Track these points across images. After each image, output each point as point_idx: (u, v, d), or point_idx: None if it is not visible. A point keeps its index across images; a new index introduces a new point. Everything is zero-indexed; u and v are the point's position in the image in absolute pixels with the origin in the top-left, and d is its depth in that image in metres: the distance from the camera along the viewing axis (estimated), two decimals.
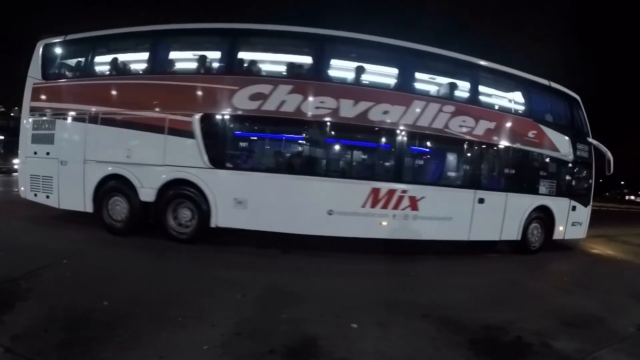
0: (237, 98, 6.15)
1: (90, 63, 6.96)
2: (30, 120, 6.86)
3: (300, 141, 6.69)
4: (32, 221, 6.96)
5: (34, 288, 3.51)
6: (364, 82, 6.78)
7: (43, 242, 5.43)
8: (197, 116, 6.15)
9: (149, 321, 3.06)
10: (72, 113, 6.66)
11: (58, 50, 7.14)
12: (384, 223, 6.44)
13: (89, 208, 6.49)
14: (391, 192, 6.41)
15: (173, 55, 6.81)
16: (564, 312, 4.38)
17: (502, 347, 3.27)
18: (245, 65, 6.52)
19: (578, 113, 8.46)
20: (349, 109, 6.26)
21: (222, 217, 6.17)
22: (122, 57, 6.96)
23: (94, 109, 6.53)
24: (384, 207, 6.40)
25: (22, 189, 6.92)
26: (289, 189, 6.20)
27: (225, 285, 4.19)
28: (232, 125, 6.43)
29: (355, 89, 6.54)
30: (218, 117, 6.29)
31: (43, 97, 6.88)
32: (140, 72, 6.79)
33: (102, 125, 6.47)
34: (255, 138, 6.85)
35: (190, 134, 6.14)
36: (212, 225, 6.16)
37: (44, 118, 6.79)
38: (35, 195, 6.80)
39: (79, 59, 7.11)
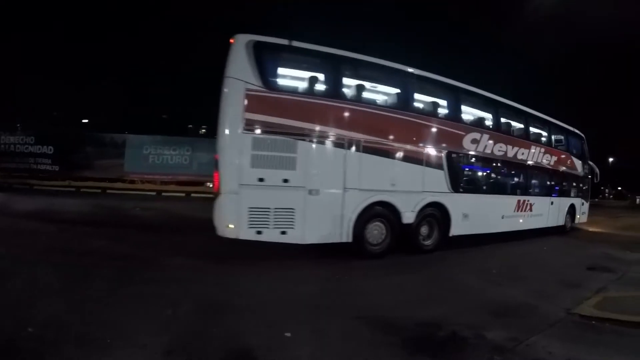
0: (464, 141, 8.27)
1: (337, 83, 6.68)
2: (249, 137, 5.72)
3: (490, 171, 9.50)
4: None
5: None
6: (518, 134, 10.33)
7: None
8: (444, 153, 7.80)
9: (76, 347, 2.89)
10: (330, 137, 6.34)
11: (275, 54, 6.30)
12: (521, 220, 10.09)
13: (348, 237, 6.35)
14: (524, 202, 10.12)
15: (430, 99, 7.91)
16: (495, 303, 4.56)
17: (438, 343, 3.32)
18: (470, 117, 8.98)
19: (585, 146, 13.48)
20: (510, 152, 9.55)
21: (455, 228, 7.92)
22: (375, 86, 7.52)
23: (353, 135, 6.47)
24: (522, 210, 10.08)
25: (231, 226, 5.62)
26: (487, 203, 8.82)
27: (153, 300, 3.98)
28: (462, 160, 8.53)
29: (515, 140, 9.93)
30: (455, 154, 8.15)
31: (264, 109, 5.84)
32: (398, 106, 7.26)
33: (364, 153, 6.56)
34: (472, 170, 9.00)
35: (440, 166, 7.73)
36: (450, 234, 7.89)
37: (273, 137, 5.83)
38: (259, 232, 5.71)
39: (315, 74, 6.50)
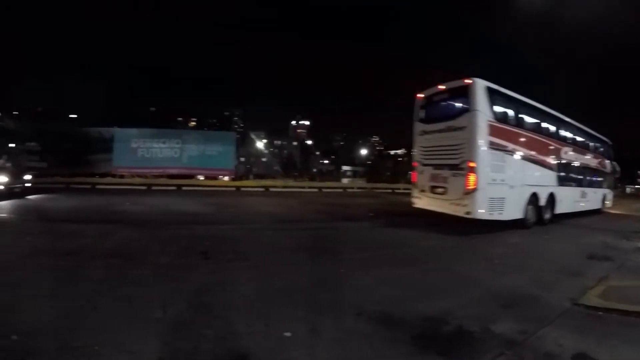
0: (562, 153, 12.45)
1: (525, 119, 10.60)
2: (490, 152, 8.83)
3: (571, 171, 13.12)
4: None
5: None
6: None
7: None
8: (556, 161, 11.98)
9: (59, 356, 2.67)
10: (518, 153, 9.90)
11: (498, 97, 9.47)
12: (582, 204, 14.05)
13: (522, 215, 9.82)
14: (584, 191, 14.04)
15: (555, 128, 12.47)
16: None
17: (444, 339, 3.16)
18: (565, 136, 13.26)
19: (611, 150, 17.80)
20: (579, 158, 13.87)
21: (557, 209, 11.65)
22: (543, 123, 11.66)
23: (527, 152, 10.25)
24: (583, 197, 14.10)
25: (481, 210, 8.59)
26: (569, 193, 12.71)
27: (141, 302, 3.71)
28: (560, 165, 12.25)
29: (580, 149, 14.21)
30: (559, 161, 12.22)
31: (495, 133, 8.94)
32: (548, 134, 11.82)
33: (530, 162, 10.44)
34: (564, 171, 12.61)
35: (553, 169, 11.73)
36: (555, 213, 11.52)
37: (498, 152, 9.07)
38: (491, 214, 8.84)
39: (519, 113, 10.34)
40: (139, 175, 23.18)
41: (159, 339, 2.94)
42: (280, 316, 3.40)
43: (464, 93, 9.00)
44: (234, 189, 22.61)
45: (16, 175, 13.39)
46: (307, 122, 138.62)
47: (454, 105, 9.75)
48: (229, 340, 2.96)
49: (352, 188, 28.48)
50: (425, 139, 10.36)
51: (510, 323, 3.47)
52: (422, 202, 10.23)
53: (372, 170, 53.44)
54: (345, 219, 10.30)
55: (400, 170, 45.82)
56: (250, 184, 28.07)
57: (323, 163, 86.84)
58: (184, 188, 20.97)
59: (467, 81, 8.89)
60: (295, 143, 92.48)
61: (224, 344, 2.90)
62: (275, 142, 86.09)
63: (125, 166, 23.54)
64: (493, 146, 8.83)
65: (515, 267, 5.83)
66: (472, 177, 8.46)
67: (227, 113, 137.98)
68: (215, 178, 25.15)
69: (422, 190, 10.19)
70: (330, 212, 11.99)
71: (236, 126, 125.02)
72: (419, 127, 10.64)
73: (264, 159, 78.12)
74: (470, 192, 8.50)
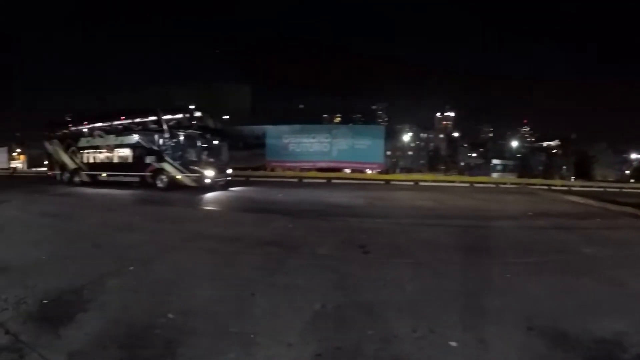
0: None
1: None
2: None
3: None
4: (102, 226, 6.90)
5: (96, 298, 3.23)
6: None
7: (111, 246, 5.20)
8: None
9: (215, 339, 2.57)
10: None
11: None
12: None
13: None
14: None
15: None
16: None
17: None
18: None
19: None
20: None
21: None
22: None
23: None
24: None
25: None
26: None
27: (300, 292, 3.48)
28: None
29: None
30: None
31: None
32: None
33: None
34: None
35: None
36: None
37: None
38: None
39: None
40: (289, 169, 24.71)
41: (317, 334, 2.67)
42: (445, 321, 2.90)
43: None
44: (383, 182, 22.38)
45: (221, 170, 15.21)
46: (452, 114, 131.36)
47: None
48: (392, 344, 2.55)
49: (505, 183, 25.62)
50: None
51: None
52: None
53: (524, 164, 47.66)
54: (503, 218, 8.95)
55: (554, 164, 40.10)
56: (399, 177, 27.55)
57: (471, 156, 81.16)
58: (333, 181, 21.55)
59: None
60: (441, 136, 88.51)
61: (388, 348, 2.50)
62: (421, 135, 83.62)
63: (277, 160, 25.40)
64: None
65: None
66: None
67: (374, 107, 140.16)
68: (362, 171, 25.29)
69: None
70: (485, 208, 10.82)
71: (380, 120, 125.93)
72: None
73: (410, 153, 76.58)
74: None
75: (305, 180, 21.55)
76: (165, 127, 14.32)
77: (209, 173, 14.10)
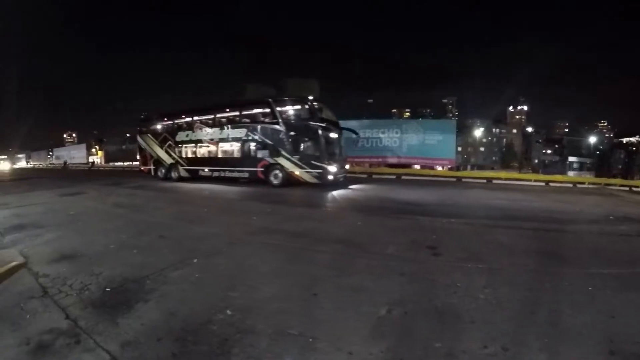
0: None
1: None
2: None
3: None
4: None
5: (157, 289, 3.28)
6: None
7: (178, 239, 5.30)
8: None
9: (272, 340, 2.46)
10: None
11: None
12: None
13: None
14: None
15: None
16: None
17: None
18: None
19: None
20: None
21: None
22: None
23: None
24: None
25: None
26: None
27: (365, 295, 3.24)
28: None
29: None
30: None
31: None
32: None
33: None
34: None
35: None
36: None
37: None
38: None
39: None
40: (358, 164, 24.30)
41: (381, 342, 2.47)
42: (518, 338, 2.59)
43: None
44: (454, 179, 21.22)
45: (342, 165, 14.43)
46: (525, 107, 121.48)
47: None
48: None
49: (584, 183, 22.84)
50: None
51: None
52: None
53: (603, 162, 42.36)
54: (583, 222, 7.84)
55: (635, 163, 35.21)
56: (471, 174, 25.95)
57: (545, 153, 74.34)
58: (403, 177, 20.87)
59: None
60: (514, 131, 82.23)
61: None
62: (493, 130, 78.44)
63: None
64: None
65: None
66: None
67: (444, 100, 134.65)
68: (432, 167, 24.18)
69: None
70: (563, 210, 9.62)
71: (450, 115, 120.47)
72: None
73: (481, 149, 72.19)
74: None
75: (375, 176, 21.10)
76: (279, 119, 13.49)
77: (332, 169, 13.10)
